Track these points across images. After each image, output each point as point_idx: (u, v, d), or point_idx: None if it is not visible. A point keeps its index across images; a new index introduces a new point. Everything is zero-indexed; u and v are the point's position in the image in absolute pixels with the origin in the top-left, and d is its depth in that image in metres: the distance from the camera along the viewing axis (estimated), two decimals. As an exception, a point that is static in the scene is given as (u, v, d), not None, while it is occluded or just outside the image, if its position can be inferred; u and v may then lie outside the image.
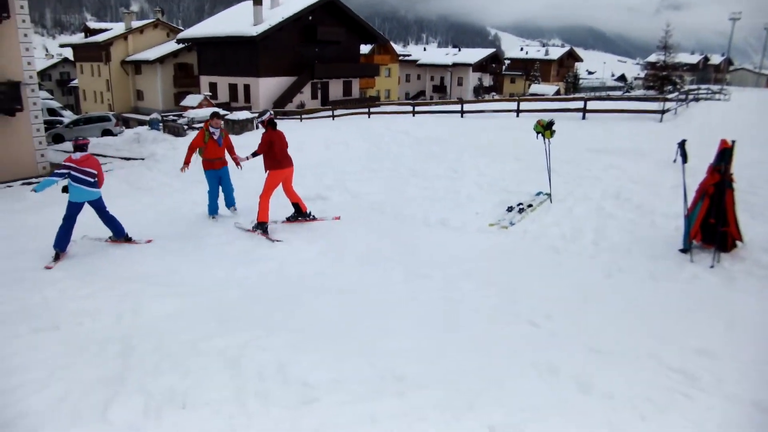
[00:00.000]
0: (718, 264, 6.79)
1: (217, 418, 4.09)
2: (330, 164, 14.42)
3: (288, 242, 8.56)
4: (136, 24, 51.39)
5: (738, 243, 7.15)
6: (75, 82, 62.29)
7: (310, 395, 4.32)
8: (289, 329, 5.52)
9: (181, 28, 56.92)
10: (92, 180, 8.21)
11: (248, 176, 11.14)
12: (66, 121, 32.18)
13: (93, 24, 64.96)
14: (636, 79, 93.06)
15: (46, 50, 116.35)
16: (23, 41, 17.60)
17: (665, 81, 51.05)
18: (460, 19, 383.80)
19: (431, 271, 7.13)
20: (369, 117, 27.07)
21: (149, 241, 8.81)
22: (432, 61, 78.51)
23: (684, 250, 7.21)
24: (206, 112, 26.94)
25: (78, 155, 8.15)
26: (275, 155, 8.97)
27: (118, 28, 53.38)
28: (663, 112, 19.45)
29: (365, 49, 55.33)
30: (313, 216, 9.64)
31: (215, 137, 9.84)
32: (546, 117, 10.18)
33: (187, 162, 9.97)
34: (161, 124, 24.91)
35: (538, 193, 10.30)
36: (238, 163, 9.80)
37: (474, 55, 78.34)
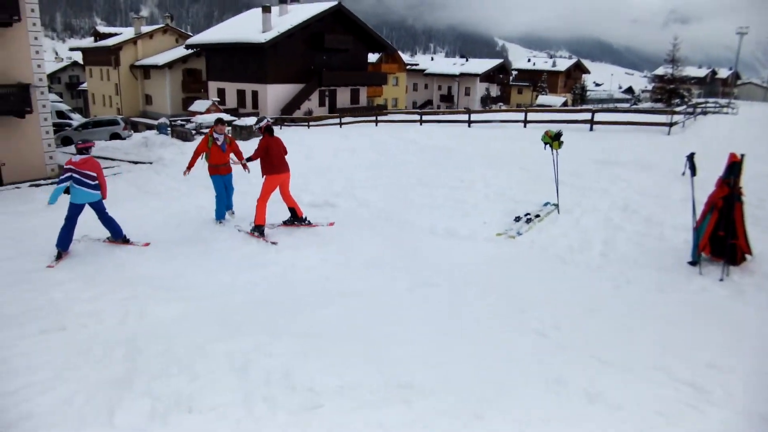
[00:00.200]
0: (728, 277, 6.75)
1: (223, 422, 4.07)
2: (338, 171, 14.43)
3: (295, 248, 8.56)
4: (145, 29, 51.63)
5: (747, 256, 7.11)
6: (84, 86, 62.56)
7: (316, 401, 4.30)
8: (294, 334, 5.50)
9: (190, 33, 57.28)
10: (92, 182, 8.34)
11: (256, 181, 11.14)
12: (75, 124, 32.35)
13: (103, 28, 65.28)
14: (643, 91, 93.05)
15: (56, 53, 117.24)
16: (33, 44, 17.73)
17: (673, 94, 51.03)
18: (467, 29, 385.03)
19: (438, 279, 7.11)
20: (376, 125, 27.12)
21: (146, 245, 8.85)
22: (439, 70, 78.69)
23: (693, 263, 7.18)
24: (214, 117, 27.09)
25: (78, 158, 8.30)
26: (272, 161, 9.17)
27: (127, 32, 53.65)
28: (671, 125, 19.41)
29: (373, 57, 55.49)
30: (308, 221, 9.76)
31: (218, 143, 9.91)
32: (554, 128, 10.17)
33: (190, 166, 10.05)
34: (169, 129, 25.03)
35: (546, 204, 10.27)
36: (245, 167, 9.88)
37: (481, 65, 78.46)
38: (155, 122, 31.21)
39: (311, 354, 5.04)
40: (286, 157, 9.43)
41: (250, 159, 9.48)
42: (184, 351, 5.14)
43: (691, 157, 7.30)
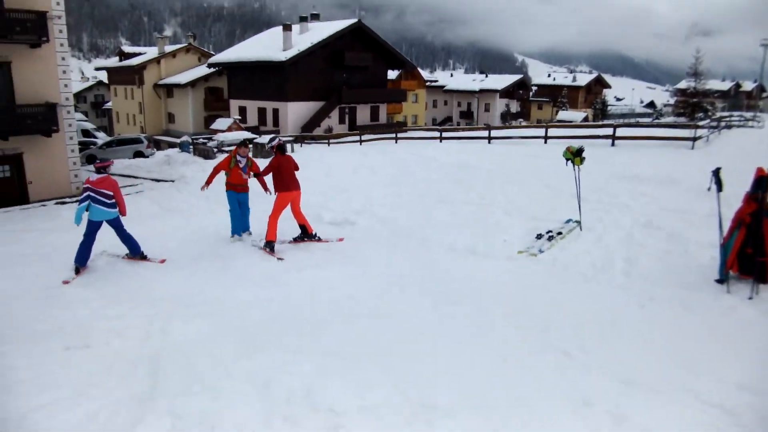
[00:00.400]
0: (757, 295, 6.60)
1: (244, 442, 4.06)
2: (357, 189, 14.49)
3: (315, 266, 8.57)
4: (168, 48, 52.63)
5: (776, 274, 6.95)
6: (109, 105, 63.82)
7: (337, 422, 4.26)
8: (316, 353, 5.48)
9: (212, 52, 58.17)
10: (108, 201, 8.56)
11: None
12: (99, 142, 32.94)
13: (127, 48, 66.64)
14: (665, 105, 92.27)
15: (82, 73, 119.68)
16: (61, 64, 18.19)
17: (696, 108, 50.48)
18: (487, 45, 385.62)
19: (460, 297, 7.05)
20: (396, 142, 27.22)
21: (163, 261, 8.97)
22: (459, 87, 78.93)
23: (720, 281, 7.03)
24: (235, 135, 27.42)
25: (95, 177, 8.56)
26: (283, 178, 9.37)
27: (151, 52, 54.72)
28: (695, 139, 19.20)
29: (392, 74, 55.87)
30: (318, 237, 9.88)
31: (240, 165, 10.00)
32: (575, 144, 10.09)
33: (208, 182, 10.12)
34: (191, 147, 25.37)
35: (568, 221, 10.17)
36: (266, 189, 10.01)
37: (501, 81, 78.51)
38: (177, 140, 31.67)
39: (333, 373, 5.02)
40: (297, 174, 9.59)
41: (258, 175, 9.87)
42: (206, 369, 5.16)
43: (717, 172, 7.17)
